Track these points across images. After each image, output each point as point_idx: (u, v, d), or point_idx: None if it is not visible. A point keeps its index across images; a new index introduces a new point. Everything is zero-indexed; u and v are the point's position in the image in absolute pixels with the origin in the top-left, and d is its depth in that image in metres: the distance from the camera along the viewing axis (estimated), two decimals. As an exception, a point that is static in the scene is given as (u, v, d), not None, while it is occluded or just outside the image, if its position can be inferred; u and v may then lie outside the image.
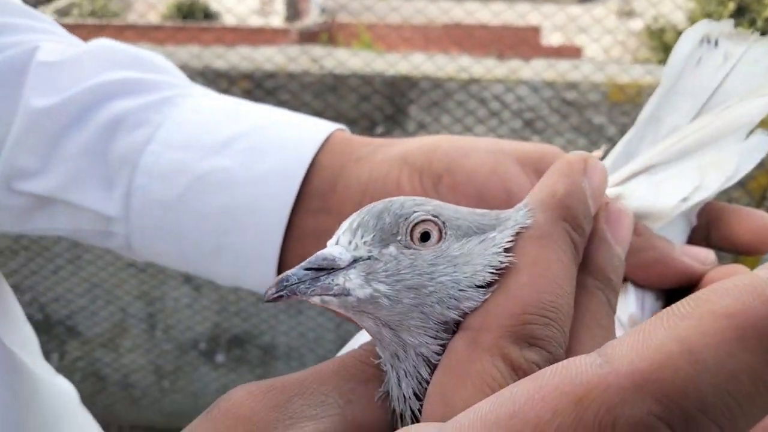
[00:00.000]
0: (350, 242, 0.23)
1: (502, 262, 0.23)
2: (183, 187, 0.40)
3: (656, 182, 0.38)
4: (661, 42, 8.53)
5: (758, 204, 1.61)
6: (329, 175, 0.40)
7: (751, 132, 0.38)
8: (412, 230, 0.23)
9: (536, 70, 1.43)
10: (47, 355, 2.03)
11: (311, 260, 0.22)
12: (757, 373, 0.15)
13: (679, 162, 0.38)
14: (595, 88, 1.38)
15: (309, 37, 7.65)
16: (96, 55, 0.45)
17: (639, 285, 0.35)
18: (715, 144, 0.38)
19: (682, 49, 0.40)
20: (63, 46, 0.46)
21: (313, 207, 0.40)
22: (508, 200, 0.35)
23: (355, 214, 0.24)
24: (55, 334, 1.90)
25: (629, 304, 0.34)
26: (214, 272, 0.44)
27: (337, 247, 0.23)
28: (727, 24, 0.40)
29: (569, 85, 1.39)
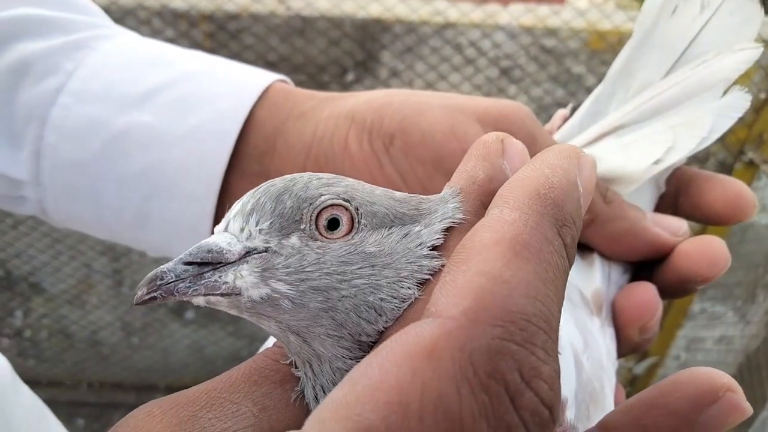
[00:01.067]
0: (242, 229, 0.19)
1: (430, 269, 0.20)
2: (98, 146, 0.35)
3: (626, 144, 0.35)
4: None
5: (735, 158, 1.58)
6: (268, 132, 0.35)
7: (728, 89, 0.35)
8: (317, 217, 0.19)
9: (514, 15, 1.36)
10: (11, 312, 1.98)
11: (193, 251, 0.18)
12: (544, 279, 0.17)
13: (650, 122, 0.36)
14: (575, 35, 1.32)
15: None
16: None
17: (606, 257, 0.33)
18: (689, 102, 0.35)
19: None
20: None
21: (250, 169, 0.35)
22: (455, 149, 0.32)
23: (249, 194, 0.20)
24: (18, 291, 1.84)
25: (594, 278, 0.32)
26: (139, 241, 0.39)
27: (226, 235, 0.19)
28: None
29: (548, 31, 1.33)
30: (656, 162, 0.34)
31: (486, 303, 0.16)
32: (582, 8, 1.38)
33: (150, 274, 0.18)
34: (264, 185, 0.20)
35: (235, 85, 0.36)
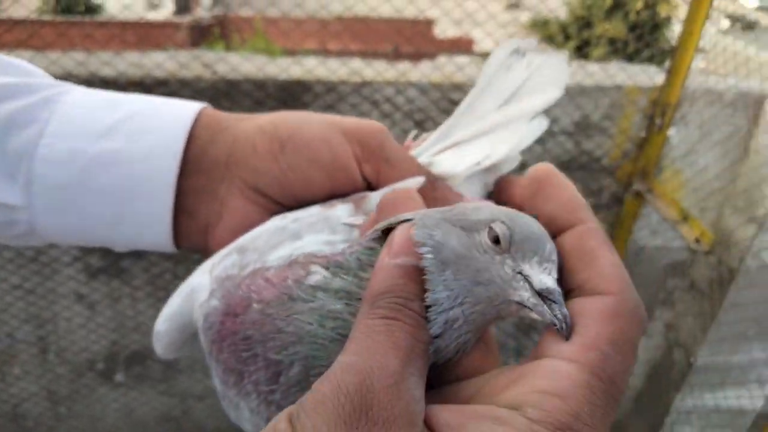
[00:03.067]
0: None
1: None
2: (79, 169, 0.46)
3: (459, 153, 0.47)
4: (545, 33, 9.00)
5: (625, 190, 1.78)
6: (202, 143, 0.48)
7: (534, 117, 0.48)
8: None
9: (424, 72, 1.50)
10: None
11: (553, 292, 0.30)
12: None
13: (478, 139, 0.48)
14: (477, 89, 1.47)
15: (201, 32, 7.42)
16: None
17: None
18: (507, 125, 0.48)
19: (497, 57, 0.49)
20: None
21: (191, 169, 0.48)
22: (333, 162, 0.44)
23: (549, 253, 0.31)
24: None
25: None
26: (112, 240, 0.50)
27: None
28: (533, 41, 0.50)
29: (455, 86, 1.48)
30: (477, 163, 0.45)
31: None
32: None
33: (560, 316, 0.30)
34: (549, 246, 0.31)
35: (175, 114, 0.48)
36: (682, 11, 1.61)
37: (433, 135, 0.50)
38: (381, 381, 0.26)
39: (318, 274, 0.34)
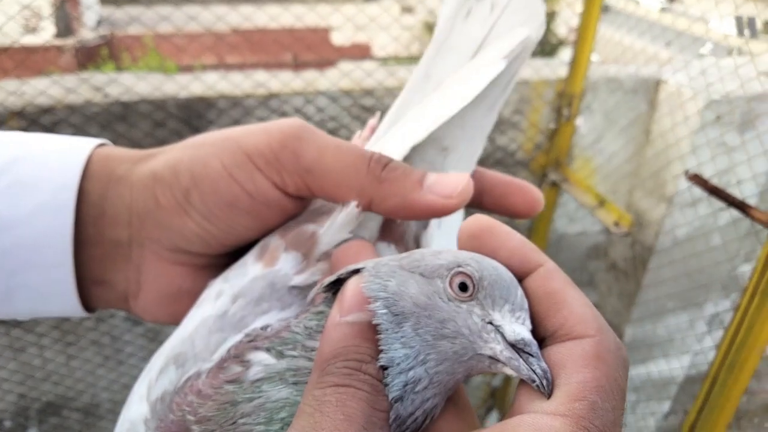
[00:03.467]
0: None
1: None
2: None
3: (400, 132, 0.40)
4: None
5: (540, 180, 1.81)
6: (96, 199, 0.40)
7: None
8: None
9: (332, 80, 1.45)
10: None
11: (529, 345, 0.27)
12: None
13: (424, 110, 0.40)
14: (389, 93, 1.44)
15: (87, 53, 7.02)
16: None
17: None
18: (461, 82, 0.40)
19: (451, 2, 0.40)
20: None
21: (89, 233, 0.40)
22: (252, 201, 0.38)
23: (521, 300, 0.28)
24: None
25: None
26: (11, 312, 0.42)
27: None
28: None
29: (365, 92, 1.44)
30: (417, 141, 0.37)
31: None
32: (392, 69, 1.51)
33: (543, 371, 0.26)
34: (519, 293, 0.28)
35: (62, 162, 0.39)
36: (563, 5, 1.65)
37: (386, 117, 0.43)
38: None
39: (258, 365, 0.29)
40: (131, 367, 1.69)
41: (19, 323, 1.48)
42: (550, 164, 1.78)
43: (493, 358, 0.26)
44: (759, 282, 1.16)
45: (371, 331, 0.26)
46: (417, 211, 0.35)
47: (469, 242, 0.32)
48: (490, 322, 0.26)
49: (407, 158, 0.38)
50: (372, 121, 0.45)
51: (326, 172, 0.36)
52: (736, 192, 1.22)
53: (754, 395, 2.21)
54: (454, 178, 0.36)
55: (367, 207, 0.36)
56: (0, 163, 0.39)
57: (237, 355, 0.30)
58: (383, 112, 0.44)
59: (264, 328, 0.31)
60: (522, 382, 0.26)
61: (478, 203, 0.41)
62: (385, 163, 0.36)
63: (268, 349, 0.29)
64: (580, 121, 1.74)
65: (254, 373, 0.29)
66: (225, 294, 0.36)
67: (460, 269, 0.27)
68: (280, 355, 0.29)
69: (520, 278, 0.30)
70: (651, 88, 1.75)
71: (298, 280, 0.34)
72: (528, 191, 0.41)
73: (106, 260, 0.40)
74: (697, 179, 1.21)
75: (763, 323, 1.19)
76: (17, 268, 0.39)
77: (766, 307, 1.17)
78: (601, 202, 1.62)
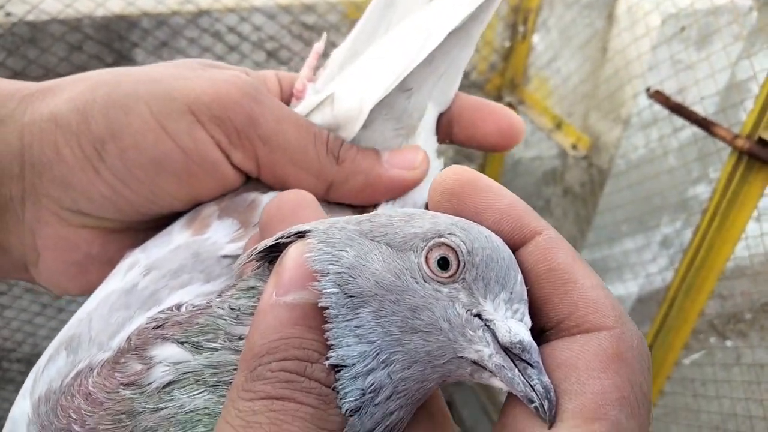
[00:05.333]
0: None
1: None
2: None
3: (363, 73, 0.33)
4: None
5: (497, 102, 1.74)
6: None
7: None
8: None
9: (269, -6, 1.32)
10: None
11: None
12: None
13: (389, 46, 0.34)
14: (332, 8, 1.32)
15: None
16: None
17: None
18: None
19: None
20: None
21: None
22: (185, 161, 0.30)
23: (521, 288, 0.22)
24: None
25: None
26: None
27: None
28: None
29: (306, 8, 1.32)
30: (389, 86, 0.32)
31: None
32: (334, -19, 1.39)
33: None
34: (519, 280, 0.21)
35: None
36: None
37: (339, 52, 0.36)
38: None
39: (165, 364, 0.21)
40: (72, 314, 1.60)
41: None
42: (505, 85, 1.71)
43: (478, 365, 0.19)
44: (720, 202, 1.13)
45: (318, 317, 0.19)
46: (382, 188, 0.32)
47: (444, 201, 0.25)
48: (479, 315, 0.20)
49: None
50: (318, 46, 0.39)
51: (283, 146, 0.30)
52: (698, 110, 1.18)
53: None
54: (408, 152, 0.33)
55: (325, 192, 0.31)
56: None
57: (138, 348, 0.22)
58: (329, 32, 0.38)
59: (178, 307, 0.24)
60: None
61: (447, 135, 0.36)
62: (340, 142, 0.32)
63: (180, 342, 0.22)
64: (536, 39, 1.65)
65: (160, 374, 0.21)
66: (139, 264, 0.29)
67: (442, 240, 0.20)
68: (197, 348, 0.21)
69: (513, 249, 0.23)
70: (608, 2, 1.67)
71: (231, 248, 0.27)
72: (502, 116, 0.36)
73: None
74: (659, 96, 1.15)
75: (722, 244, 1.18)
76: None
77: (725, 228, 1.16)
78: (558, 125, 1.57)
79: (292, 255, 0.20)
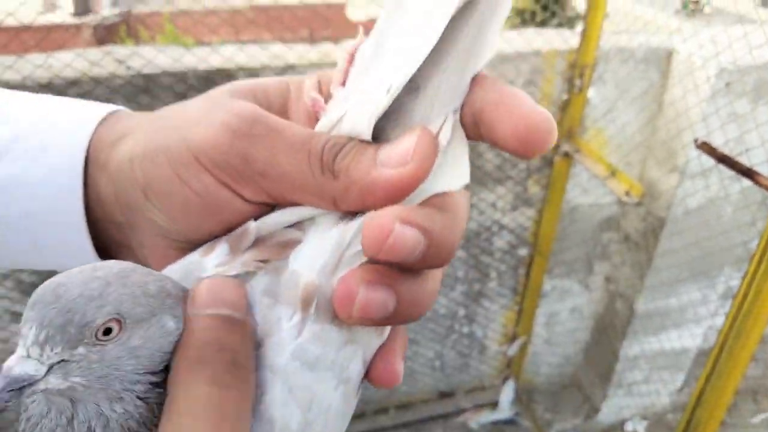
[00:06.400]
0: (41, 355, 0.25)
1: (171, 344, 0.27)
2: None
3: (369, 82, 0.31)
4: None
5: (553, 152, 1.82)
6: (92, 184, 0.38)
7: None
8: (96, 332, 0.25)
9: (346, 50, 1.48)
10: None
11: (10, 383, 0.24)
12: None
13: (395, 49, 0.31)
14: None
15: (105, 32, 7.07)
16: None
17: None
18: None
19: None
20: None
21: (98, 213, 0.39)
22: (205, 204, 0.33)
23: (36, 326, 0.25)
24: None
25: (314, 264, 0.30)
26: (36, 264, 0.44)
27: (31, 363, 0.25)
28: None
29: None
30: (388, 90, 0.29)
31: None
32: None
33: None
34: (47, 312, 0.25)
35: (73, 128, 0.39)
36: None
37: (365, 48, 0.32)
38: None
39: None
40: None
41: None
42: (562, 135, 1.80)
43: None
44: (766, 247, 1.18)
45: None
46: (379, 196, 0.29)
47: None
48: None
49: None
50: (349, 45, 0.34)
51: (281, 175, 0.30)
52: (745, 160, 1.24)
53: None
54: (404, 139, 0.29)
55: (334, 208, 0.31)
56: (17, 132, 0.39)
57: None
58: (364, 28, 0.35)
59: None
60: None
61: (476, 135, 0.31)
62: (337, 150, 0.30)
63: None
64: (592, 92, 1.75)
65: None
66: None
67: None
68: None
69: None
70: (662, 58, 1.75)
71: (213, 272, 0.30)
72: (521, 116, 0.28)
73: (121, 233, 0.39)
74: (706, 147, 1.22)
75: (770, 289, 1.21)
76: (38, 228, 0.39)
77: (772, 273, 1.19)
78: (613, 172, 1.64)
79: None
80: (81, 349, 0.25)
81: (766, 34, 1.31)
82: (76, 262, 0.37)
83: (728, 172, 1.52)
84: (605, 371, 2.28)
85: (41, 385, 0.25)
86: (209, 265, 0.31)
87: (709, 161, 1.53)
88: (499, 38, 0.30)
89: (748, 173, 1.16)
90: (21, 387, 0.24)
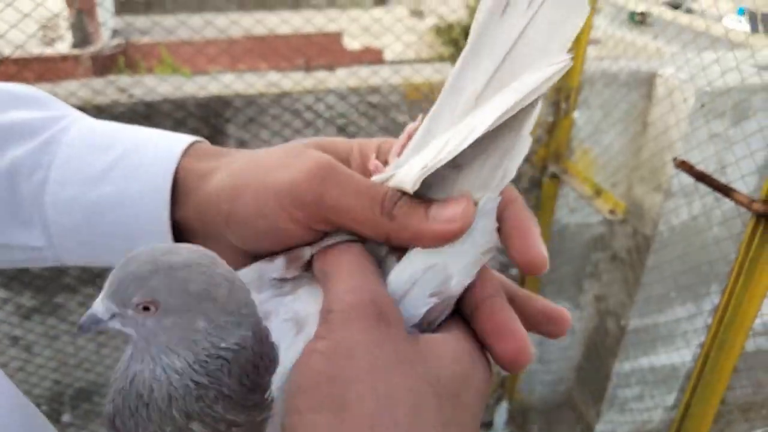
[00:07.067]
0: (108, 304, 0.32)
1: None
2: (83, 214, 0.47)
3: (419, 155, 0.37)
4: (450, 37, 9.29)
5: (541, 173, 1.88)
6: (189, 187, 0.47)
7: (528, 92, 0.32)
8: (135, 306, 0.32)
9: (341, 78, 1.54)
10: None
11: (89, 317, 0.33)
12: None
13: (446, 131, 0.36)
14: (394, 90, 1.53)
15: (104, 62, 7.18)
16: None
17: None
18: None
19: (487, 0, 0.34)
20: None
21: (184, 215, 0.47)
22: (279, 235, 0.41)
23: (110, 282, 0.32)
24: None
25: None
26: None
27: (102, 307, 0.33)
28: None
29: (372, 89, 1.53)
30: (423, 168, 0.34)
31: None
32: (397, 68, 1.60)
33: (78, 323, 0.33)
34: (119, 272, 0.32)
35: (159, 157, 0.47)
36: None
37: (421, 128, 0.39)
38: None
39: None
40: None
41: (54, 312, 1.58)
42: (550, 157, 1.86)
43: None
44: (744, 261, 1.23)
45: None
46: (429, 239, 0.37)
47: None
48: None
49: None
50: (411, 126, 0.41)
51: (347, 211, 0.39)
52: (723, 179, 1.29)
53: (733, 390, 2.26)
54: (452, 204, 0.37)
55: (385, 241, 0.39)
56: (117, 155, 0.47)
57: None
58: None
59: None
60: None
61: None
62: (395, 199, 0.38)
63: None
64: (577, 114, 1.81)
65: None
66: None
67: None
68: None
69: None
70: (646, 81, 1.82)
71: (278, 274, 0.39)
72: (526, 251, 0.37)
73: (203, 239, 0.46)
74: (684, 165, 1.28)
75: (749, 302, 1.26)
76: (130, 238, 0.47)
77: (751, 286, 1.24)
78: (598, 192, 1.70)
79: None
80: (129, 311, 0.32)
81: (736, 58, 1.38)
82: None
83: (708, 190, 1.57)
84: (598, 389, 2.31)
85: (109, 324, 0.32)
86: (274, 270, 0.39)
87: (690, 179, 1.59)
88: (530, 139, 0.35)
89: (724, 190, 1.21)
90: (95, 322, 0.32)
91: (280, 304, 0.36)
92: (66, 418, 1.77)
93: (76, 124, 0.51)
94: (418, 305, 0.36)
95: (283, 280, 0.38)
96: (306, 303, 0.36)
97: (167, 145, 0.48)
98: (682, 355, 2.25)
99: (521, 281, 2.12)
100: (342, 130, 1.56)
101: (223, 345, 0.32)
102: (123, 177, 0.47)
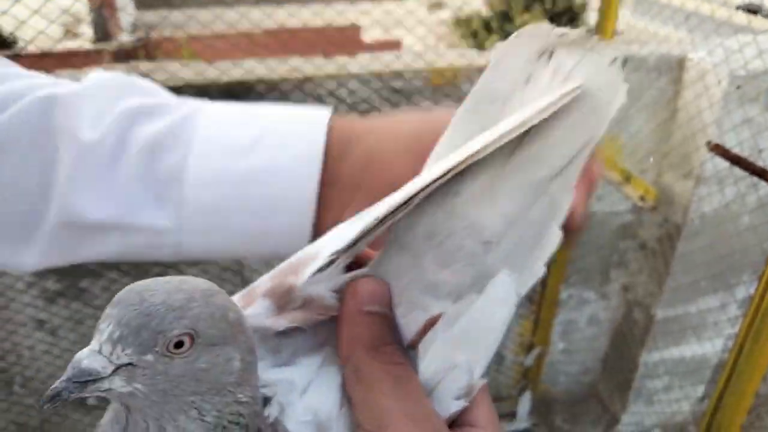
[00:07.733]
0: (111, 353, 0.25)
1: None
2: (229, 188, 0.47)
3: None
4: (469, 30, 9.21)
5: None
6: (333, 161, 0.48)
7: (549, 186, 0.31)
8: (168, 343, 0.25)
9: (362, 63, 1.52)
10: None
11: (76, 374, 0.24)
12: None
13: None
14: (417, 75, 1.50)
15: (126, 56, 7.23)
16: (102, 86, 0.49)
17: None
18: None
19: (508, 61, 0.31)
20: (63, 83, 0.49)
21: (326, 183, 0.48)
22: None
23: (113, 323, 0.25)
24: None
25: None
26: (256, 253, 0.51)
27: (100, 359, 0.25)
28: (571, 31, 0.30)
29: (395, 74, 1.51)
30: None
31: None
32: (419, 51, 1.58)
33: (50, 391, 0.24)
34: (126, 314, 0.25)
35: (307, 130, 0.48)
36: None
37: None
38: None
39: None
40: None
41: (79, 296, 1.59)
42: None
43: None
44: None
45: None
46: None
47: None
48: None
49: (440, 242, 0.31)
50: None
51: None
52: (760, 163, 1.25)
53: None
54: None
55: None
56: (259, 132, 0.48)
57: None
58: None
59: None
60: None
61: None
62: None
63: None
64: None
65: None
66: None
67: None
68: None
69: None
70: (675, 66, 1.77)
71: (267, 321, 0.31)
72: None
73: (333, 208, 0.48)
74: (719, 149, 1.24)
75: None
76: (271, 213, 0.47)
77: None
78: (627, 178, 1.66)
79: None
80: (150, 357, 0.25)
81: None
82: (288, 249, 0.42)
83: (743, 175, 1.53)
84: (624, 381, 2.27)
85: (105, 384, 0.25)
86: (257, 317, 0.32)
87: (723, 165, 1.54)
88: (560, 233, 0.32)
89: (761, 173, 1.17)
90: (86, 381, 0.24)
91: (288, 390, 0.30)
92: (91, 400, 1.78)
93: (203, 105, 0.50)
94: (447, 407, 0.30)
95: (278, 335, 0.31)
96: (321, 394, 0.30)
97: (310, 118, 0.49)
98: (713, 345, 2.19)
99: (545, 271, 2.08)
100: (364, 115, 1.54)
101: (242, 398, 0.27)
102: (268, 151, 0.47)
